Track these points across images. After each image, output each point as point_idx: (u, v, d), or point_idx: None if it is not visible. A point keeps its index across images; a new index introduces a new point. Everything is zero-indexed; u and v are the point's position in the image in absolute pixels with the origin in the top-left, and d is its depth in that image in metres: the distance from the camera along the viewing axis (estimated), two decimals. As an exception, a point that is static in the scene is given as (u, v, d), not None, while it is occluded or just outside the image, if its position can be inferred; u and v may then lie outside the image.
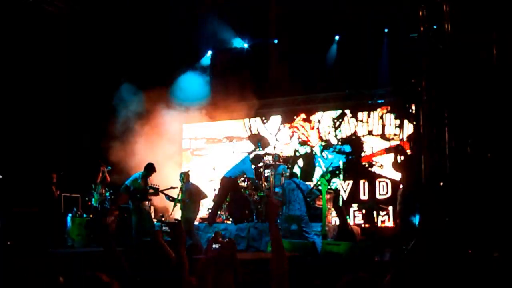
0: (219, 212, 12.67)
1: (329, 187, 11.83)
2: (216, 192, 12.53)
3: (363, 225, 13.18)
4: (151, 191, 11.34)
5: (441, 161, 6.73)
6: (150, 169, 11.41)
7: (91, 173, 12.92)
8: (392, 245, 9.34)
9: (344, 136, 14.55)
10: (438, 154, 6.77)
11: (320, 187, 11.13)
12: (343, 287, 2.44)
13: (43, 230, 11.19)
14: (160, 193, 11.49)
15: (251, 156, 12.15)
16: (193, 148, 16.57)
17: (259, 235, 11.25)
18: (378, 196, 13.63)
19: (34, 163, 12.68)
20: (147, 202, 11.58)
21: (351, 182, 14.09)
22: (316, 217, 11.32)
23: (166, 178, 12.98)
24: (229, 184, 11.87)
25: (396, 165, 9.92)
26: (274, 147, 14.19)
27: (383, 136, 14.02)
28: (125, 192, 11.29)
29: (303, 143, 15.04)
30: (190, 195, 11.42)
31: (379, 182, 13.78)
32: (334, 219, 12.13)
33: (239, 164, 12.00)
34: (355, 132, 14.44)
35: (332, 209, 11.96)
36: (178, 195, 11.21)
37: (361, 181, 13.97)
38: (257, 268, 6.69)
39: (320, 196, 11.11)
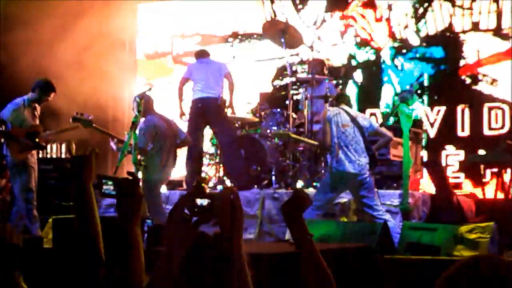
0: (205, 171, 11.91)
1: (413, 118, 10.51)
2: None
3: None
4: (74, 124, 10.16)
5: None
6: (43, 89, 10.20)
7: None
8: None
9: (432, 33, 13.46)
10: None
11: (399, 120, 10.22)
12: None
13: None
14: (95, 129, 10.37)
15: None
16: (178, 52, 15.47)
17: (283, 212, 9.46)
18: (487, 132, 12.55)
19: None
20: (34, 151, 10.27)
21: (443, 108, 12.92)
22: (391, 178, 10.79)
23: (103, 108, 12.80)
24: (210, 109, 11.00)
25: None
26: (312, 49, 13.39)
27: (498, 32, 12.90)
28: None
29: (363, 44, 13.90)
30: (154, 138, 10.20)
31: (490, 108, 12.69)
32: (425, 182, 11.76)
33: (214, 73, 11.37)
34: (450, 25, 13.26)
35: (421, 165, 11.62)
36: (131, 137, 9.48)
37: (460, 107, 12.80)
38: (279, 269, 6.34)
39: (398, 140, 10.20)
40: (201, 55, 11.82)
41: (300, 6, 14.47)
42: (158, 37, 15.66)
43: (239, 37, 14.86)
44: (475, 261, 2.24)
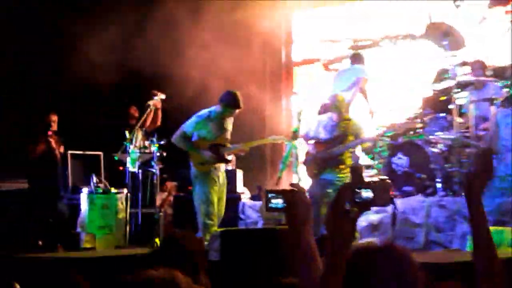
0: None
1: None
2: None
3: None
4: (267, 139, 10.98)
5: None
6: (226, 104, 10.16)
7: (123, 111, 12.20)
8: None
9: None
10: None
11: None
12: None
13: (35, 219, 10.96)
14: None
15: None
16: (327, 58, 15.21)
17: (450, 219, 10.06)
18: None
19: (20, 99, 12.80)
20: (223, 165, 10.33)
21: None
22: None
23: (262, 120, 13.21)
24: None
25: None
26: (474, 49, 12.92)
27: None
28: (182, 145, 10.17)
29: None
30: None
31: None
32: None
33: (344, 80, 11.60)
34: None
35: None
36: (290, 150, 10.25)
37: None
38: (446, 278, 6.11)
39: None
40: (352, 60, 12.09)
41: (458, 3, 13.81)
42: (306, 43, 15.58)
43: (393, 39, 14.70)
44: None
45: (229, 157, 10.56)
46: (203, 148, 9.95)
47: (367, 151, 11.26)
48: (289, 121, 13.04)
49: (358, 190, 3.04)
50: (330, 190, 9.83)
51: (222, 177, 10.04)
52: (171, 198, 11.73)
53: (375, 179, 11.13)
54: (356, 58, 12.25)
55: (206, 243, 8.81)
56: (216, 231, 9.54)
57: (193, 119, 10.13)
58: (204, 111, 10.13)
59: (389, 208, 10.38)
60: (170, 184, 12.00)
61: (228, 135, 10.15)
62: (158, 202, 11.31)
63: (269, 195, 3.32)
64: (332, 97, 10.62)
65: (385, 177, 10.76)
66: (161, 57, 12.33)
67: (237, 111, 10.12)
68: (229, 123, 10.19)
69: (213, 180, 9.88)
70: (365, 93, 11.77)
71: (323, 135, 10.17)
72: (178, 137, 10.08)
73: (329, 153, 10.25)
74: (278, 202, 3.43)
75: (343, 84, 11.69)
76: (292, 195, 3.20)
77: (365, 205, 3.01)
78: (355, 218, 2.95)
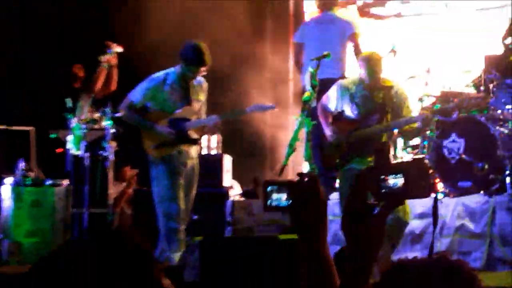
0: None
1: None
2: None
3: None
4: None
5: None
6: (191, 58, 9.90)
7: (63, 69, 11.68)
8: None
9: None
10: None
11: None
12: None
13: None
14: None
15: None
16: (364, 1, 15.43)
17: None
18: None
19: None
20: (194, 148, 9.99)
21: None
22: None
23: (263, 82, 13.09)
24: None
25: None
26: None
27: None
28: (130, 119, 10.10)
29: None
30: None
31: None
32: None
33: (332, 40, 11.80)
34: None
35: None
36: (299, 128, 9.51)
37: None
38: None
39: None
40: (322, 6, 11.58)
41: None
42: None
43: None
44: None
45: (195, 136, 9.99)
46: (158, 124, 9.62)
47: (410, 134, 10.66)
48: (299, 87, 12.53)
49: (384, 177, 3.09)
50: None
51: (191, 165, 9.66)
52: (131, 192, 11.26)
53: (407, 159, 11.02)
54: (328, 3, 11.74)
55: (175, 255, 8.79)
56: (193, 240, 9.36)
57: (143, 84, 9.82)
58: (158, 74, 9.80)
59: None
60: (130, 173, 11.62)
61: (199, 107, 9.80)
62: (112, 198, 10.90)
63: (269, 188, 3.31)
64: (362, 57, 10.01)
65: (421, 156, 10.59)
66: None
67: (202, 69, 9.60)
68: (199, 91, 9.82)
69: (176, 169, 9.57)
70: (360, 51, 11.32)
71: (349, 109, 9.69)
72: (124, 109, 9.81)
73: (359, 135, 9.79)
74: (280, 198, 3.42)
75: (324, 45, 10.98)
76: (300, 187, 3.17)
77: (396, 197, 3.05)
78: (382, 218, 3.00)
